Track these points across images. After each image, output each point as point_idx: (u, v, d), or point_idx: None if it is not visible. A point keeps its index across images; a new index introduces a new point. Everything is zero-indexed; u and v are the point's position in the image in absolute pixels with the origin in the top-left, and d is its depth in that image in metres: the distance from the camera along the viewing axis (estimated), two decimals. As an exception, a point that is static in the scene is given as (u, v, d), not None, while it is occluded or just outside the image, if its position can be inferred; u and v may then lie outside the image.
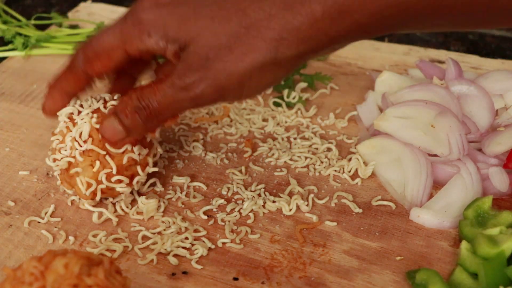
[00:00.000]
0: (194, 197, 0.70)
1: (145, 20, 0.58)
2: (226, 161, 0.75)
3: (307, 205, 0.69)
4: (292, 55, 0.55)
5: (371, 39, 0.55)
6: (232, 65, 0.55)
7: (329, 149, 0.76)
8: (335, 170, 0.73)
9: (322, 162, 0.75)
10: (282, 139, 0.78)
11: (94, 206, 0.68)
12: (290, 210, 0.68)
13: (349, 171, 0.73)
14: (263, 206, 0.69)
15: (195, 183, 0.72)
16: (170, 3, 0.58)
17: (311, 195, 0.70)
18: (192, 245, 0.65)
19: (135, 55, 0.60)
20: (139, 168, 0.66)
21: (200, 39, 0.56)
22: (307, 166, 0.74)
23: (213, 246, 0.65)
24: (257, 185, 0.72)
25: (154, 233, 0.66)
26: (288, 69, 0.58)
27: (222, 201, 0.70)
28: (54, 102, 0.66)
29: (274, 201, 0.69)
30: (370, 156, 0.73)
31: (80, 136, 0.64)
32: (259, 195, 0.70)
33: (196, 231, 0.66)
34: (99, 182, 0.65)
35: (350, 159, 0.74)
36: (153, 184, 0.71)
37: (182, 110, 0.62)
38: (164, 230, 0.66)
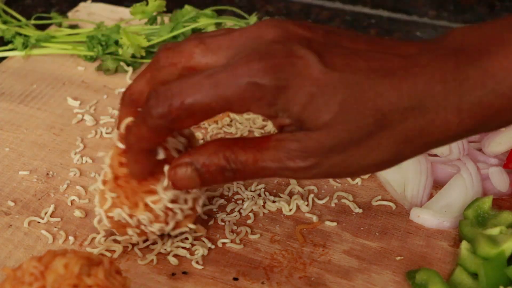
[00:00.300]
0: (194, 197, 0.70)
1: (266, 87, 0.49)
2: (226, 161, 0.75)
3: (307, 205, 0.69)
4: (411, 157, 0.52)
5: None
6: (354, 161, 0.51)
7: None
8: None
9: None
10: (282, 139, 0.78)
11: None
12: (290, 210, 0.68)
13: (349, 171, 0.73)
14: (263, 206, 0.69)
15: (195, 183, 0.72)
16: (298, 74, 0.49)
17: (311, 195, 0.70)
18: (192, 245, 0.65)
19: (238, 113, 0.54)
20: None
21: (329, 131, 0.49)
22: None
23: (213, 246, 0.65)
24: (257, 185, 0.72)
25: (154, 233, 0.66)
26: (403, 161, 0.53)
27: (222, 201, 0.70)
28: (136, 166, 0.57)
29: (274, 201, 0.69)
30: None
31: None
32: (259, 195, 0.70)
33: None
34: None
35: None
36: None
37: (278, 177, 0.55)
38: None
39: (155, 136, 0.53)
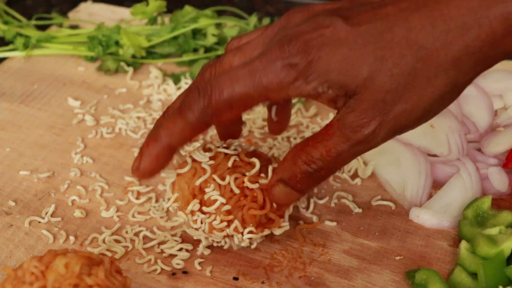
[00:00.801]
0: (194, 197, 0.70)
1: (300, 64, 0.49)
2: (226, 161, 0.75)
3: (306, 207, 0.69)
4: (471, 78, 0.51)
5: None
6: (414, 104, 0.50)
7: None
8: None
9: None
10: (282, 139, 0.78)
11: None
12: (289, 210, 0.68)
13: (349, 171, 0.73)
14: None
15: (195, 183, 0.72)
16: (327, 43, 0.49)
17: (313, 198, 0.70)
18: (193, 245, 0.65)
19: (278, 101, 0.55)
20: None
21: (373, 83, 0.49)
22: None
23: (213, 246, 0.65)
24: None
25: (154, 233, 0.66)
26: (463, 89, 0.53)
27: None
28: (152, 161, 0.55)
29: None
30: (370, 156, 0.74)
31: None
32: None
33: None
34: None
35: None
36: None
37: (357, 156, 0.54)
38: (165, 229, 0.66)
39: (190, 132, 0.53)
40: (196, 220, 0.59)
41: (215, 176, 0.58)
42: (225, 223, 0.58)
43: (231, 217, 0.58)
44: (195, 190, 0.59)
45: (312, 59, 0.49)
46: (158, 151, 0.55)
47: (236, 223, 0.58)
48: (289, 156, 0.55)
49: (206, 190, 0.59)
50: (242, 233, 0.59)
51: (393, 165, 0.72)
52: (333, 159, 0.52)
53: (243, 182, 0.58)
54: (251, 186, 0.58)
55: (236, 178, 0.58)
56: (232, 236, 0.60)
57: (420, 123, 0.53)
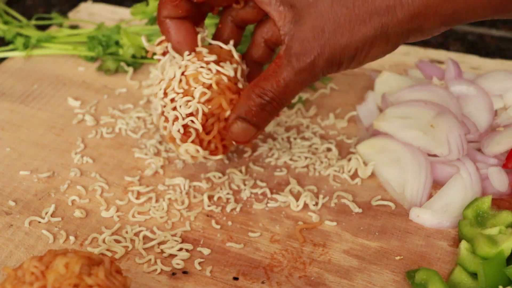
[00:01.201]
0: (194, 197, 0.70)
1: None
2: (226, 161, 0.75)
3: (315, 205, 0.69)
4: (401, 31, 0.56)
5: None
6: (347, 41, 0.56)
7: (329, 149, 0.77)
8: (335, 170, 0.74)
9: (322, 162, 0.75)
10: (282, 139, 0.78)
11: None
12: (298, 206, 0.69)
13: (349, 171, 0.73)
14: (266, 204, 0.69)
15: (195, 183, 0.72)
16: None
17: (321, 197, 0.70)
18: (192, 245, 0.65)
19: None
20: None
21: (317, 11, 0.56)
22: (307, 166, 0.74)
23: (213, 246, 0.65)
24: (257, 184, 0.72)
25: (154, 233, 0.66)
26: (395, 46, 0.58)
27: (222, 201, 0.70)
28: (173, 32, 0.64)
29: (278, 195, 0.70)
30: (370, 156, 0.74)
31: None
32: (263, 194, 0.71)
33: (196, 230, 0.66)
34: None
35: (350, 159, 0.74)
36: None
37: (304, 88, 0.61)
38: (165, 229, 0.66)
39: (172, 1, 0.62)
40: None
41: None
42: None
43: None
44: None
45: None
46: (165, 26, 0.64)
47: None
48: (244, 93, 0.61)
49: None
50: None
51: (393, 165, 0.72)
52: (282, 89, 0.59)
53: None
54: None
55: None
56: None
57: (353, 63, 0.58)
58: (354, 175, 0.73)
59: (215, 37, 0.69)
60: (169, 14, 0.64)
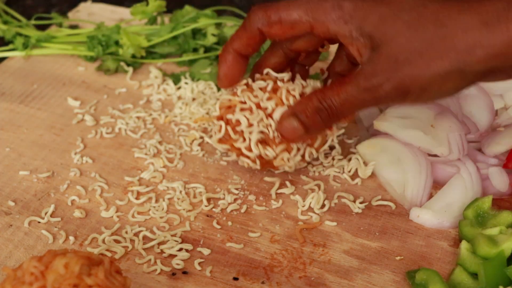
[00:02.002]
0: (194, 197, 0.70)
1: (346, 7, 0.59)
2: (225, 161, 0.75)
3: (321, 207, 0.69)
4: (479, 70, 0.56)
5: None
6: (419, 70, 0.56)
7: (329, 149, 0.76)
8: (335, 170, 0.73)
9: (322, 162, 0.75)
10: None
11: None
12: (303, 206, 0.69)
13: (349, 171, 0.73)
14: (266, 204, 0.69)
15: (195, 183, 0.72)
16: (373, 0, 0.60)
17: (322, 198, 0.70)
18: (192, 245, 0.65)
19: (318, 35, 0.62)
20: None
21: (394, 42, 0.57)
22: (307, 166, 0.74)
23: (213, 246, 0.65)
24: (257, 184, 0.72)
25: (154, 233, 0.66)
26: (471, 83, 0.58)
27: (222, 201, 0.70)
28: (228, 65, 0.67)
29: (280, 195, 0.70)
30: (370, 156, 0.74)
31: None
32: (264, 194, 0.71)
33: (196, 230, 0.66)
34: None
35: (350, 159, 0.74)
36: None
37: (362, 109, 0.63)
38: (164, 230, 0.66)
39: (248, 38, 0.65)
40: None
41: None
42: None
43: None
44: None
45: (356, 6, 0.59)
46: (228, 57, 0.67)
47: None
48: (308, 95, 0.63)
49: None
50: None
51: (394, 165, 0.72)
52: (342, 100, 0.60)
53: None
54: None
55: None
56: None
57: (422, 96, 0.58)
58: (354, 175, 0.73)
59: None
60: (239, 49, 0.67)
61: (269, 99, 0.66)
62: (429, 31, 0.56)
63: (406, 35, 0.57)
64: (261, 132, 0.66)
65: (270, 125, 0.66)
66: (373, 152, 0.74)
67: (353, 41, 0.59)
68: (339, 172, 0.73)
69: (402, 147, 0.73)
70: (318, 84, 0.69)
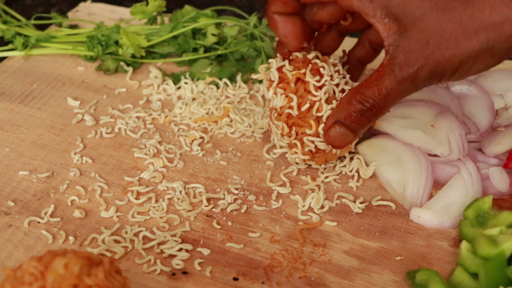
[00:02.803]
0: (194, 197, 0.70)
1: None
2: (226, 161, 0.75)
3: (321, 208, 0.69)
4: (508, 46, 0.57)
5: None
6: (452, 54, 0.57)
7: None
8: (336, 174, 0.73)
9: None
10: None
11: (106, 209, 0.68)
12: (304, 206, 0.69)
13: (350, 171, 0.73)
14: (266, 204, 0.69)
15: (195, 183, 0.72)
16: None
17: (322, 198, 0.70)
18: (192, 245, 0.65)
19: (342, 7, 0.62)
20: None
21: (423, 24, 0.57)
22: (307, 166, 0.74)
23: (213, 246, 0.65)
24: (257, 184, 0.72)
25: (154, 233, 0.66)
26: (500, 60, 0.59)
27: (222, 201, 0.70)
28: (280, 26, 0.66)
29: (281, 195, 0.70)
30: (370, 156, 0.73)
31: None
32: (264, 194, 0.71)
33: (196, 230, 0.66)
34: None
35: (352, 159, 0.74)
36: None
37: (403, 97, 0.62)
38: (164, 230, 0.66)
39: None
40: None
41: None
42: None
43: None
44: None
45: None
46: (274, 20, 0.66)
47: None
48: (344, 99, 0.63)
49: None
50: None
51: (394, 165, 0.72)
52: (383, 96, 0.60)
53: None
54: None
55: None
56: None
57: (454, 75, 0.59)
58: (354, 176, 0.73)
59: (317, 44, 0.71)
60: (277, 10, 0.65)
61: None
62: (457, 11, 0.56)
63: (434, 15, 0.56)
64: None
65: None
66: (373, 152, 0.74)
67: (377, 20, 0.59)
68: (339, 172, 0.73)
69: (402, 146, 0.72)
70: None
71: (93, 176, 0.73)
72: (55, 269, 0.50)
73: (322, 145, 0.67)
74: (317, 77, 0.66)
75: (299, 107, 0.66)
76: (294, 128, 0.67)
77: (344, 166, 0.74)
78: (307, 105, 0.66)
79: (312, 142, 0.67)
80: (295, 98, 0.66)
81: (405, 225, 0.67)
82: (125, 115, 0.82)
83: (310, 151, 0.68)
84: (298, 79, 0.67)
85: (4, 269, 0.51)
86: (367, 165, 0.73)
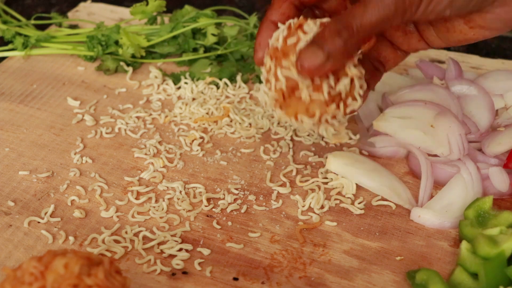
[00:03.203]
0: (194, 197, 0.70)
1: None
2: (225, 161, 0.75)
3: (321, 208, 0.69)
4: None
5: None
6: None
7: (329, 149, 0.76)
8: (324, 180, 0.73)
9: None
10: (284, 139, 0.78)
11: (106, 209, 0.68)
12: (304, 206, 0.69)
13: (335, 192, 0.72)
14: (266, 204, 0.69)
15: (194, 183, 0.72)
16: None
17: (322, 198, 0.70)
18: (192, 245, 0.65)
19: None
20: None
21: None
22: (305, 165, 0.74)
23: (213, 246, 0.65)
24: (257, 184, 0.72)
25: (154, 233, 0.66)
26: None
27: (222, 201, 0.70)
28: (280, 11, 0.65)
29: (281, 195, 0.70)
30: (344, 170, 0.71)
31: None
32: (259, 194, 0.70)
33: (196, 230, 0.66)
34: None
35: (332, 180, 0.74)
36: None
37: (381, 24, 0.59)
38: (164, 230, 0.66)
39: None
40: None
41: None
42: None
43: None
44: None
45: None
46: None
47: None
48: (327, 23, 0.60)
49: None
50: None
51: (370, 174, 0.71)
52: (359, 18, 0.58)
53: None
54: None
55: None
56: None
57: (420, 9, 0.59)
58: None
59: None
60: (276, 20, 0.64)
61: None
62: None
63: None
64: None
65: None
66: (345, 165, 0.72)
67: None
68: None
69: (372, 162, 0.72)
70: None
71: (93, 176, 0.73)
72: (55, 269, 0.50)
73: (294, 75, 0.61)
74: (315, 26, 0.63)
75: (285, 40, 0.62)
76: (274, 60, 0.62)
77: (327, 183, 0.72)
78: (293, 39, 0.61)
79: (285, 77, 0.61)
80: (282, 26, 0.63)
81: (405, 225, 0.67)
82: (125, 115, 0.82)
83: (282, 92, 0.62)
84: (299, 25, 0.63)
85: (4, 269, 0.51)
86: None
